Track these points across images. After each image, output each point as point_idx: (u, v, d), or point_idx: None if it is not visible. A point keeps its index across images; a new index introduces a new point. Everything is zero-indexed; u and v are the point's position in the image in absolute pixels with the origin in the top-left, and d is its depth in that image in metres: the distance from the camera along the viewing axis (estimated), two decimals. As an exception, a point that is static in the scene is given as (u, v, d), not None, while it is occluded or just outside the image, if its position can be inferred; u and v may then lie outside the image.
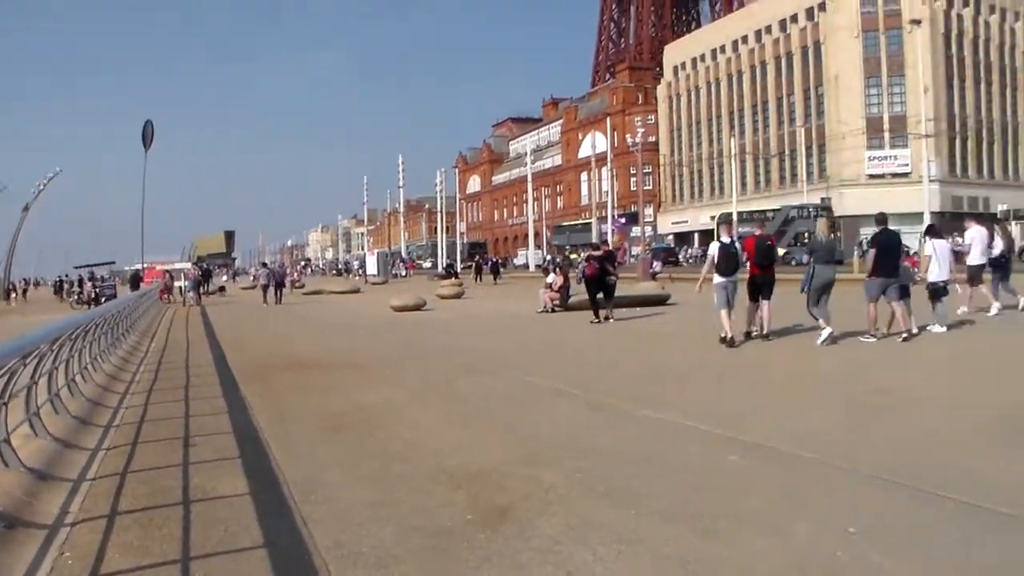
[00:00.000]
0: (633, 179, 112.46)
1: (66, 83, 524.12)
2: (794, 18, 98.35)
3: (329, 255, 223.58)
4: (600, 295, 24.09)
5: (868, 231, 16.99)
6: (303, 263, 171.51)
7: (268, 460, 8.83)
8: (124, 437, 10.32)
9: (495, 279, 64.09)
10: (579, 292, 26.92)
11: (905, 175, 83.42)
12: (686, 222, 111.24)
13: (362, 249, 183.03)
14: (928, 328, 17.50)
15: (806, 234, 60.87)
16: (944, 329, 17.43)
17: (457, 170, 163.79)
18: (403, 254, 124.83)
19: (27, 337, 9.09)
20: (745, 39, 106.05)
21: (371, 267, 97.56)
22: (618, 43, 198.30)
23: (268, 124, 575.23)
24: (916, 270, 18.90)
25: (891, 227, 17.59)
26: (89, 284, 56.03)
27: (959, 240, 22.11)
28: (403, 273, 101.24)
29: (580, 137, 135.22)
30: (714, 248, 17.63)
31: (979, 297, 20.82)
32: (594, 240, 53.30)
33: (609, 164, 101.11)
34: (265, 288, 46.03)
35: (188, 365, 18.36)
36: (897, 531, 5.89)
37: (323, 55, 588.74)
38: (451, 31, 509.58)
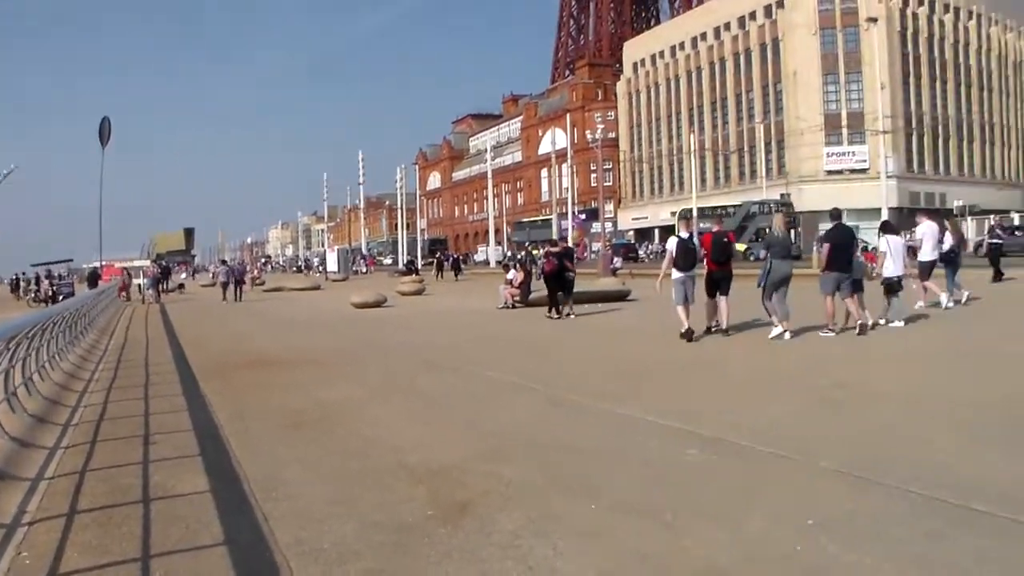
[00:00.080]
0: (593, 175, 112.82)
1: (15, 81, 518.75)
2: (753, 15, 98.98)
3: (289, 252, 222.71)
4: (559, 291, 24.16)
5: (828, 226, 17.10)
6: (263, 260, 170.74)
7: (228, 457, 8.80)
8: (83, 435, 10.27)
9: (456, 276, 63.97)
10: (540, 288, 26.96)
11: (863, 171, 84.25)
12: (646, 218, 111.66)
13: (322, 246, 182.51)
14: (883, 322, 17.72)
15: (767, 229, 61.21)
16: (902, 324, 17.63)
17: (417, 167, 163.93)
18: (364, 251, 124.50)
19: (-17, 336, 9.02)
20: (704, 36, 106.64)
21: (331, 264, 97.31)
22: (578, 40, 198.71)
23: (227, 121, 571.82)
24: (873, 265, 19.08)
25: (849, 223, 17.75)
26: (46, 282, 55.32)
27: (912, 236, 22.34)
28: (364, 270, 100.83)
29: (540, 133, 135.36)
30: (672, 243, 17.70)
31: (926, 290, 21.09)
32: (554, 236, 53.42)
33: (569, 160, 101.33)
34: (225, 285, 45.78)
35: (148, 363, 18.26)
36: (856, 524, 5.92)
37: (279, 52, 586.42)
38: (410, 27, 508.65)
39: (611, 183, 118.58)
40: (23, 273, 63.99)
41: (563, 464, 7.94)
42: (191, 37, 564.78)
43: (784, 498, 6.61)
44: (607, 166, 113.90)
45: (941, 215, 28.17)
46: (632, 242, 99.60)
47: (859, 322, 16.72)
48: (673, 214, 66.97)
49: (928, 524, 5.85)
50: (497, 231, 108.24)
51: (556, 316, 23.70)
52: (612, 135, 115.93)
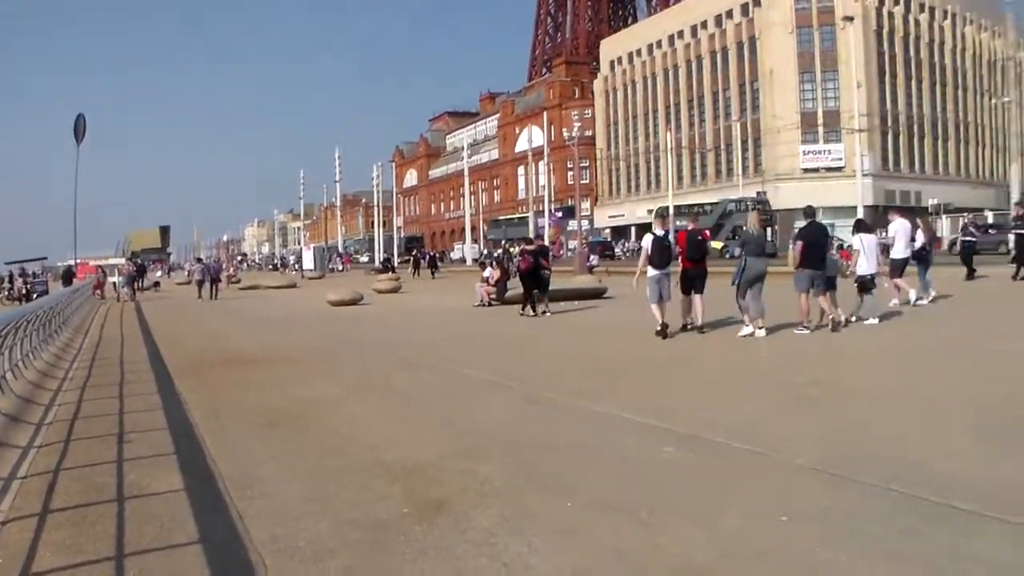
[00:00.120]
0: (570, 173, 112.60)
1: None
2: (729, 14, 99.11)
3: (265, 250, 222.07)
4: (534, 289, 24.22)
5: (802, 224, 17.25)
6: (239, 258, 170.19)
7: (204, 456, 8.78)
8: (57, 434, 10.22)
9: (433, 273, 63.95)
10: (516, 286, 27.00)
11: (839, 169, 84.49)
12: (623, 216, 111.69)
13: (298, 244, 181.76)
14: (855, 319, 17.84)
15: (743, 227, 61.28)
16: (876, 321, 17.75)
17: (394, 164, 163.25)
18: (340, 248, 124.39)
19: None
20: (681, 34, 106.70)
21: (307, 262, 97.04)
22: (555, 37, 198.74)
23: (203, 119, 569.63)
24: (848, 263, 19.19)
25: (825, 220, 17.85)
26: (20, 280, 54.96)
27: (885, 234, 22.52)
28: (340, 268, 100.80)
29: (517, 131, 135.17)
30: (648, 241, 17.75)
31: (900, 287, 21.26)
32: (530, 234, 53.46)
33: (546, 158, 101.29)
34: (200, 283, 45.56)
35: (122, 361, 18.18)
36: (831, 521, 5.95)
37: (258, 49, 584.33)
38: (388, 24, 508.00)
39: (588, 181, 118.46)
40: (-4, 271, 63.51)
41: (539, 462, 7.96)
42: (174, 32, 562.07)
43: (759, 495, 6.64)
44: (584, 164, 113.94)
45: (914, 213, 28.30)
46: (609, 240, 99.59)
47: (831, 318, 16.87)
48: (650, 212, 67.00)
49: (903, 521, 5.89)
50: (474, 229, 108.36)
51: (531, 314, 23.77)
52: (589, 133, 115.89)
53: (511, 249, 61.64)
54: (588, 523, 6.12)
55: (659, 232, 17.81)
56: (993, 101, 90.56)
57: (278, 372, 15.12)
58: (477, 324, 23.90)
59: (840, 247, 26.68)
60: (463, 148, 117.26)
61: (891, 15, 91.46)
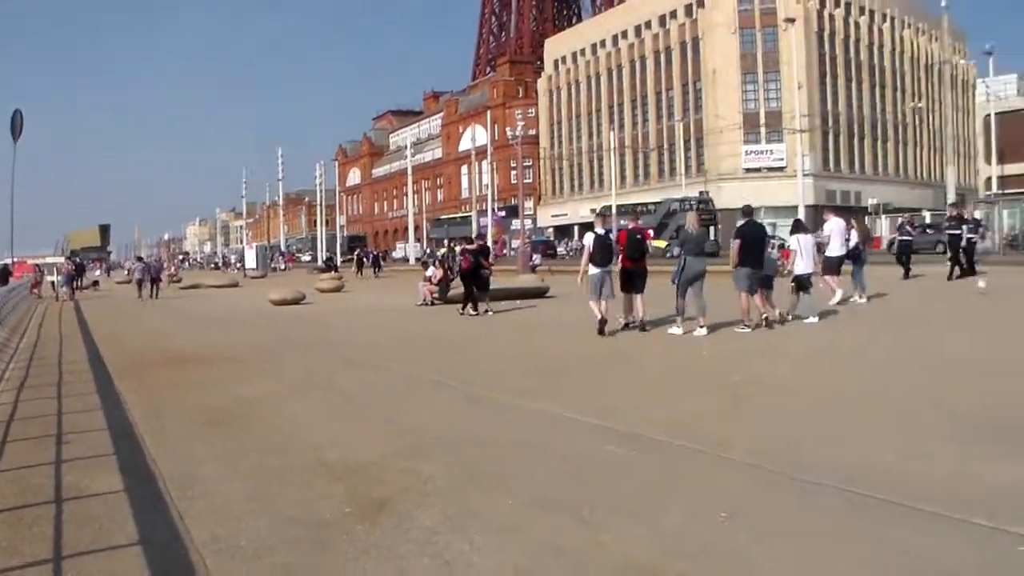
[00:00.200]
0: (513, 172, 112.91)
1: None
2: (673, 14, 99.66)
3: (207, 249, 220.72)
4: (475, 288, 24.31)
5: (740, 222, 17.48)
6: (180, 257, 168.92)
7: (144, 456, 8.70)
8: (-8, 435, 10.08)
9: (376, 272, 63.78)
10: (459, 285, 27.00)
11: (780, 169, 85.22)
12: (566, 215, 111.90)
13: (241, 243, 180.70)
14: (791, 318, 18.06)
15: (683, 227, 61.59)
16: (816, 319, 17.96)
17: (337, 163, 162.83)
18: (282, 247, 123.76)
19: None
20: (625, 34, 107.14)
21: (250, 261, 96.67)
22: (499, 37, 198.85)
23: (144, 117, 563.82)
24: (785, 262, 19.42)
25: (767, 220, 18.07)
26: (-45, 279, 54.19)
27: (821, 234, 22.86)
28: (282, 267, 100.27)
29: (460, 130, 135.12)
30: (589, 239, 17.85)
31: (834, 286, 21.55)
32: (473, 233, 53.45)
33: (489, 157, 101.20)
34: (140, 282, 45.06)
35: (61, 361, 17.95)
36: (769, 517, 6.03)
37: (199, 47, 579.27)
38: (330, 22, 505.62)
39: (531, 180, 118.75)
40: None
41: (481, 460, 7.98)
42: (105, 27, 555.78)
43: (699, 493, 6.71)
44: (527, 163, 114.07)
45: (850, 213, 28.67)
46: (551, 239, 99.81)
47: (764, 316, 17.10)
48: (593, 211, 67.27)
49: (839, 516, 5.98)
50: (417, 228, 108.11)
51: (472, 313, 23.81)
52: (532, 132, 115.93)
53: (456, 248, 61.68)
54: (530, 521, 6.14)
55: (600, 231, 17.92)
56: (909, 105, 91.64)
57: (219, 371, 15.02)
58: (420, 323, 23.88)
59: (781, 246, 26.94)
60: (406, 147, 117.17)
61: (832, 17, 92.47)
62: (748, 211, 17.92)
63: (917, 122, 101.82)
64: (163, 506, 6.89)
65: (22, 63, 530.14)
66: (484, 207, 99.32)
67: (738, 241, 17.27)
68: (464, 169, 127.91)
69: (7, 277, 51.21)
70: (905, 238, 30.65)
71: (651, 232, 57.13)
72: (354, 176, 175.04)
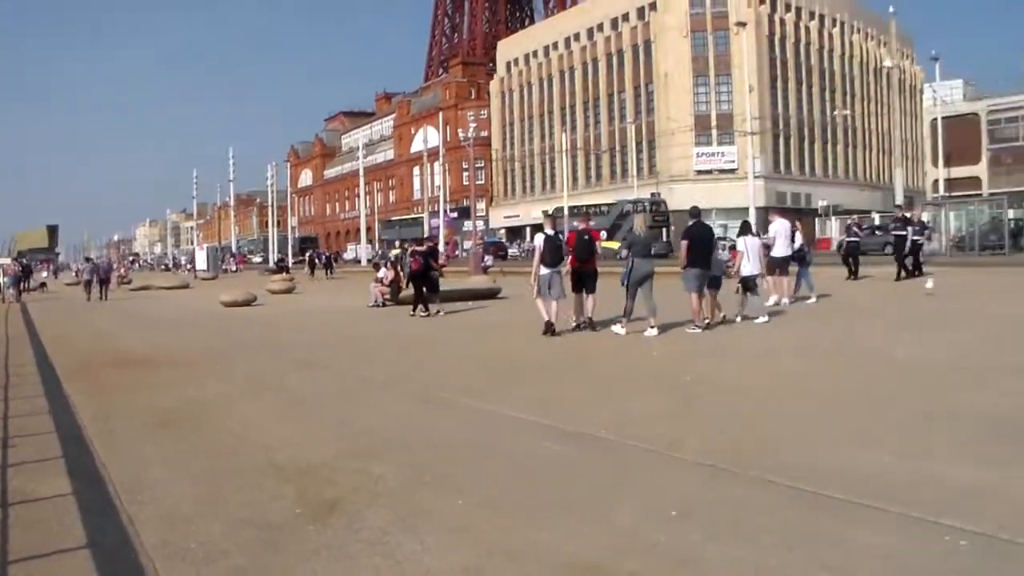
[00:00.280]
0: (465, 174, 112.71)
1: None
2: (625, 17, 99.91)
3: (158, 250, 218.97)
4: (425, 289, 24.36)
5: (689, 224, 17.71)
6: (130, 258, 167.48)
7: (92, 459, 8.64)
8: (-64, 441, 9.97)
9: (328, 274, 63.54)
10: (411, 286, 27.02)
11: (732, 171, 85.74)
12: (518, 216, 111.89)
13: (191, 244, 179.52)
14: (739, 319, 18.24)
15: (631, 229, 61.82)
16: (766, 319, 18.15)
17: (289, 164, 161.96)
18: (233, 249, 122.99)
19: None
20: (577, 36, 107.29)
21: (200, 262, 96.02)
22: (452, 38, 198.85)
23: (93, 118, 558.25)
24: (733, 263, 19.61)
25: (719, 221, 18.26)
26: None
27: (767, 235, 23.13)
28: (233, 268, 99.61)
29: (413, 131, 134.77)
30: (540, 240, 17.99)
31: (776, 287, 21.84)
32: (424, 235, 53.54)
33: (441, 159, 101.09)
34: (88, 284, 44.58)
35: (7, 364, 17.75)
36: (718, 514, 6.08)
37: (149, 47, 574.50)
38: (282, 23, 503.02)
39: (483, 181, 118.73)
40: None
41: (432, 461, 7.99)
42: (54, 25, 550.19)
43: (649, 491, 6.76)
44: (479, 164, 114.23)
45: (793, 214, 28.94)
46: (502, 240, 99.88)
47: (705, 317, 17.32)
48: (545, 213, 67.39)
49: (788, 513, 6.06)
50: (369, 229, 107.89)
51: (423, 314, 23.83)
52: (485, 134, 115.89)
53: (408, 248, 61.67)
54: (480, 521, 6.17)
55: (550, 232, 18.03)
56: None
57: (169, 373, 14.92)
58: (371, 325, 23.85)
59: (732, 247, 27.20)
60: (358, 148, 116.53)
61: (783, 22, 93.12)
62: (696, 212, 18.09)
63: (867, 125, 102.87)
64: (112, 510, 6.85)
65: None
66: (436, 208, 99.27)
67: (686, 242, 17.43)
68: (416, 170, 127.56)
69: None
70: (852, 239, 30.97)
71: (603, 233, 57.30)
72: (306, 177, 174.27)
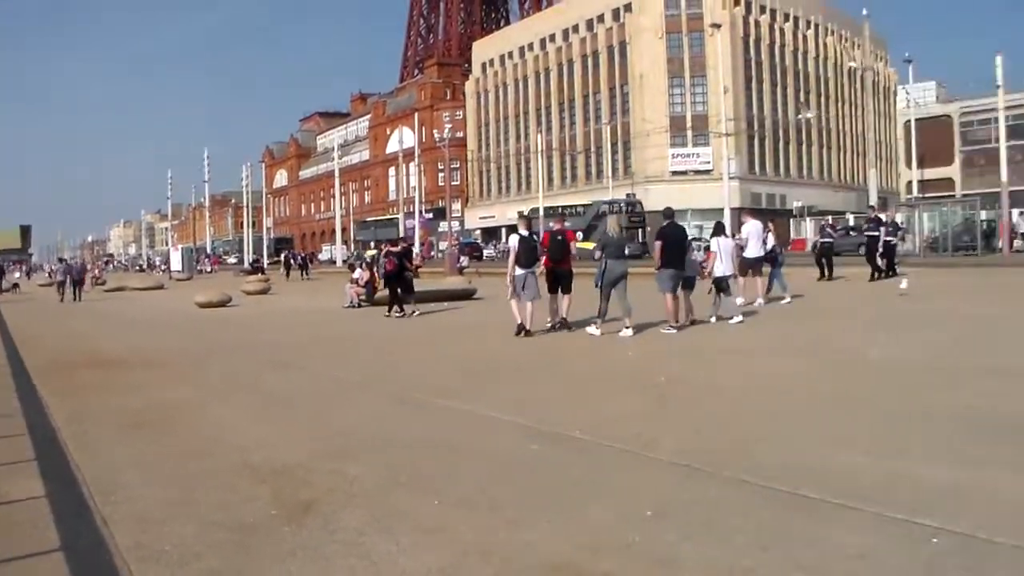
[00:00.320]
0: (441, 174, 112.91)
1: None
2: (601, 18, 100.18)
3: (132, 251, 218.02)
4: (399, 290, 24.42)
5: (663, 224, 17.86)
6: (105, 259, 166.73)
7: (66, 461, 8.58)
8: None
9: (303, 275, 63.39)
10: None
11: (707, 172, 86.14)
12: (493, 217, 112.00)
13: (166, 245, 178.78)
14: (714, 320, 18.33)
15: (605, 231, 61.93)
16: (740, 318, 18.25)
17: (264, 164, 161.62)
18: (208, 250, 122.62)
19: None
20: (553, 37, 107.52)
21: (175, 263, 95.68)
22: (427, 39, 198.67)
23: (67, 118, 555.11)
24: (708, 263, 19.71)
25: (694, 222, 18.36)
26: None
27: (739, 236, 23.27)
28: (208, 269, 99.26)
29: (388, 132, 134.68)
30: (514, 241, 18.03)
31: (749, 287, 21.99)
32: (400, 236, 53.53)
33: (417, 159, 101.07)
34: (62, 285, 44.33)
35: (-21, 365, 17.69)
36: (693, 514, 6.08)
37: (124, 46, 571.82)
38: (258, 23, 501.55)
39: (459, 182, 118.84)
40: None
41: (407, 461, 7.97)
42: (22, 27, 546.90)
43: (625, 491, 6.76)
44: (455, 165, 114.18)
45: (767, 215, 29.13)
46: (478, 241, 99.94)
47: (676, 319, 17.37)
48: (520, 214, 67.28)
49: (762, 513, 6.06)
50: (344, 230, 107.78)
51: (398, 315, 23.85)
52: (460, 134, 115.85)
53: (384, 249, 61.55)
54: (456, 521, 6.16)
55: (524, 232, 18.07)
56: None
57: (144, 375, 14.84)
58: (347, 325, 23.83)
59: (707, 248, 27.35)
60: (334, 149, 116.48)
61: (757, 23, 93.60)
62: (669, 213, 18.18)
63: (841, 127, 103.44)
64: (86, 512, 6.80)
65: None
66: (411, 209, 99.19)
67: (660, 243, 17.53)
68: (392, 171, 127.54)
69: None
70: (826, 240, 31.14)
71: (579, 234, 57.35)
72: (281, 178, 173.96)
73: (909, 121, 78.10)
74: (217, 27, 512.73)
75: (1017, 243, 51.29)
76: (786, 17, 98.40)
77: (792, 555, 5.28)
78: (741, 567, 5.14)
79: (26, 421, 10.74)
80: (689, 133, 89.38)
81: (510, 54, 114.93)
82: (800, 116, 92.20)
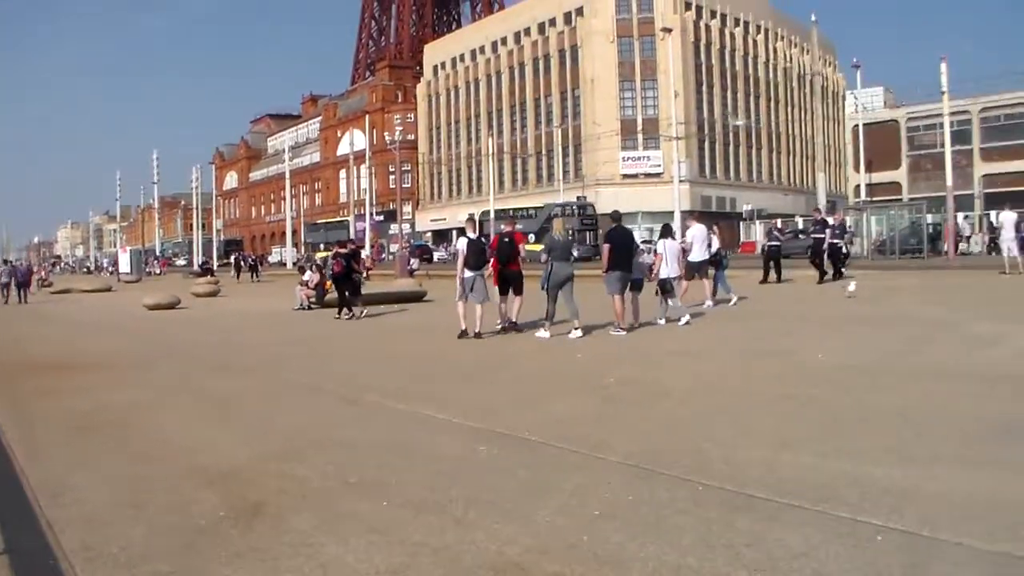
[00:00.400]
0: (392, 177, 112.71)
1: None
2: (552, 22, 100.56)
3: (80, 252, 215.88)
4: (347, 292, 24.49)
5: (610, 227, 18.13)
6: (52, 261, 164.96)
7: (11, 464, 8.51)
8: None
9: (253, 277, 63.10)
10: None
11: (658, 175, 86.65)
12: (444, 220, 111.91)
13: (115, 246, 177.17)
14: (663, 321, 18.48)
15: (569, 231, 62.26)
16: (688, 320, 18.38)
17: (214, 166, 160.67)
18: (158, 252, 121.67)
19: None
20: (504, 40, 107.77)
21: (124, 265, 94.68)
22: (379, 41, 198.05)
23: (11, 117, 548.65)
24: (655, 265, 19.84)
25: (645, 225, 18.50)
26: None
27: (684, 240, 23.46)
28: (157, 271, 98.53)
29: (339, 134, 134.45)
30: (463, 243, 18.10)
31: (696, 290, 22.17)
32: (349, 238, 53.45)
33: (368, 162, 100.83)
34: (6, 287, 43.83)
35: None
36: (640, 514, 6.13)
37: (71, 46, 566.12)
38: (208, 24, 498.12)
39: (410, 185, 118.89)
40: None
41: (356, 462, 7.99)
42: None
43: (573, 491, 6.78)
44: (406, 168, 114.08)
45: (715, 218, 29.35)
46: (428, 244, 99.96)
47: (625, 320, 17.48)
48: (469, 216, 67.33)
49: (708, 511, 6.12)
50: (295, 232, 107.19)
51: (347, 316, 23.86)
52: (411, 137, 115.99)
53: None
54: (404, 522, 6.17)
55: (472, 235, 18.15)
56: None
57: (91, 377, 14.69)
58: (296, 328, 23.77)
59: (655, 251, 27.58)
60: (284, 151, 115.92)
61: (708, 28, 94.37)
62: (616, 216, 18.38)
63: (790, 131, 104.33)
64: (31, 515, 6.75)
65: None
66: (362, 211, 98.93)
67: (608, 245, 17.68)
68: (342, 173, 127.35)
69: None
70: (774, 243, 31.32)
71: (531, 236, 57.52)
72: (231, 180, 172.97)
73: (857, 125, 78.60)
74: (166, 28, 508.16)
75: (962, 246, 51.99)
76: (736, 22, 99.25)
77: (737, 554, 5.33)
78: (687, 566, 5.18)
79: (-30, 425, 10.63)
80: (640, 136, 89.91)
81: (461, 57, 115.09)
82: (739, 123, 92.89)
